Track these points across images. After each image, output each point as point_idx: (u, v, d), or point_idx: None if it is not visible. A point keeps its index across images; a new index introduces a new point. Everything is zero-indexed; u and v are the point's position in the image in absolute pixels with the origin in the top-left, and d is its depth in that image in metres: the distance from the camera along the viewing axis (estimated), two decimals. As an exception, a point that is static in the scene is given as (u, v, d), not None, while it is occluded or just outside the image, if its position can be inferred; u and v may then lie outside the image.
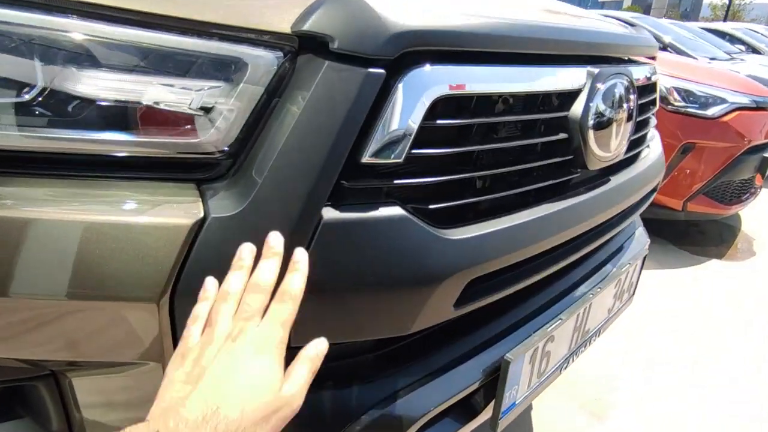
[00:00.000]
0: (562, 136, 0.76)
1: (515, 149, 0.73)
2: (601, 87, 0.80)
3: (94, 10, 0.51)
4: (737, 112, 2.31)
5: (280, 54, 0.57)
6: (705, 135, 2.28)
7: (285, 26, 0.56)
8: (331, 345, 0.51)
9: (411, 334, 0.65)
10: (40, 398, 0.61)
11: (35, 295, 0.51)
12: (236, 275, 0.48)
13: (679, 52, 3.50)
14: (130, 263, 0.52)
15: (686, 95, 2.31)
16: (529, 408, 1.48)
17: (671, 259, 2.49)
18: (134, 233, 0.52)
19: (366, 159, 0.57)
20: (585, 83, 0.78)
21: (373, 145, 0.57)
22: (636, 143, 1.03)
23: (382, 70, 0.56)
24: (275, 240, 0.51)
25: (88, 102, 0.52)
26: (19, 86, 0.51)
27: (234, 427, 0.39)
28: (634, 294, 1.16)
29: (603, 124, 0.81)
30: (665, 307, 2.10)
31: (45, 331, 0.53)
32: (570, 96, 0.77)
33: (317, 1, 0.57)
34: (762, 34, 6.69)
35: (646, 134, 1.08)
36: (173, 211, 0.54)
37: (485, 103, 0.67)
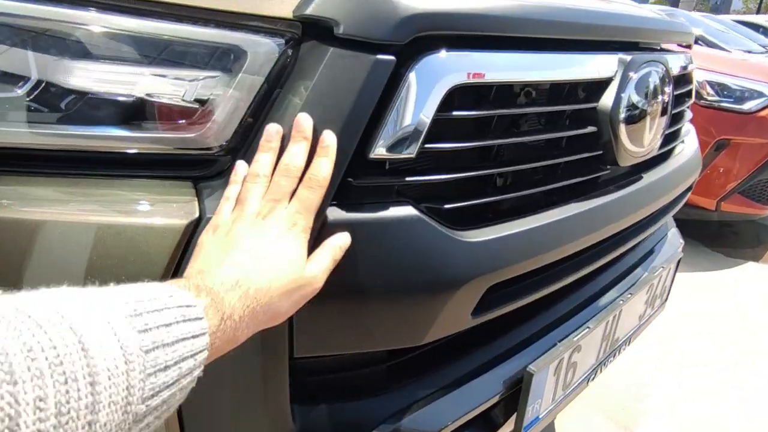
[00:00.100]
0: (591, 129, 0.70)
1: (538, 144, 0.68)
2: (634, 76, 0.73)
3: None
4: (776, 107, 2.18)
5: (282, 41, 0.52)
6: (740, 131, 2.16)
7: (287, 11, 0.52)
8: (339, 355, 0.47)
9: (425, 344, 0.60)
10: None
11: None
12: (265, 156, 0.49)
13: (710, 45, 3.34)
14: (121, 267, 0.48)
15: (720, 89, 2.19)
16: (552, 420, 1.41)
17: (704, 261, 2.38)
18: (124, 235, 0.48)
19: (375, 154, 0.52)
20: (616, 72, 0.71)
21: (383, 139, 0.52)
22: (670, 138, 0.95)
23: (391, 57, 0.52)
24: (305, 122, 0.49)
25: (74, 95, 0.48)
26: (6, 80, 0.48)
27: (262, 295, 0.42)
28: (666, 299, 1.08)
29: (636, 116, 0.74)
30: (700, 310, 1.99)
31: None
32: (599, 86, 0.71)
33: (322, -18, 0.53)
34: (799, 26, 6.39)
35: (680, 128, 1.00)
36: (166, 212, 0.50)
37: (506, 93, 0.62)
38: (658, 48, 0.91)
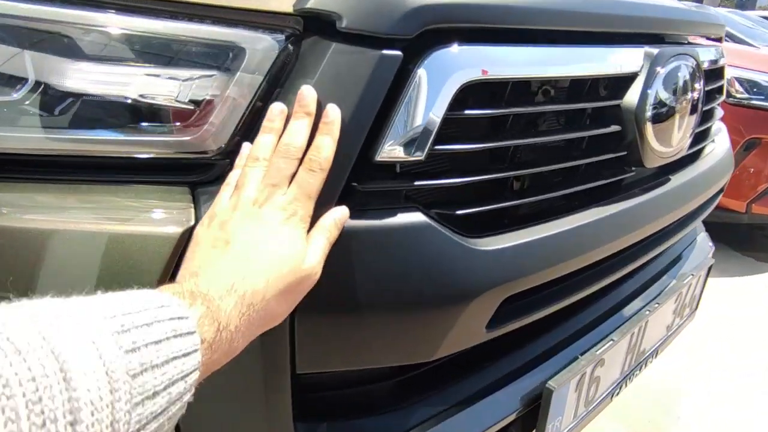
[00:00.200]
0: (614, 128, 0.66)
1: (558, 144, 0.63)
2: (662, 71, 0.68)
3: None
4: (809, 104, 2.08)
5: (282, 37, 0.49)
6: (772, 129, 2.06)
7: (287, 5, 0.49)
8: (344, 371, 0.43)
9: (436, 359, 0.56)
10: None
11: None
12: (266, 138, 0.46)
13: (737, 41, 3.22)
14: (114, 277, 0.46)
15: (750, 86, 2.09)
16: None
17: (735, 266, 2.28)
18: (117, 244, 0.46)
19: (381, 157, 0.49)
20: (642, 66, 0.67)
21: (389, 141, 0.49)
22: (700, 137, 0.89)
23: (398, 52, 0.48)
24: (308, 96, 0.46)
25: (62, 98, 0.46)
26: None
27: (259, 298, 0.40)
28: (696, 308, 1.02)
29: (663, 114, 0.69)
30: (729, 315, 1.91)
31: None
32: (624, 81, 0.66)
33: (324, -26, 0.49)
34: (831, 21, 6.14)
35: (711, 126, 0.94)
36: (161, 219, 0.48)
37: (522, 89, 0.57)
38: (686, 41, 0.86)
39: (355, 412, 0.58)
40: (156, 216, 0.48)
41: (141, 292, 0.35)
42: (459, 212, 0.53)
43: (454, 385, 0.63)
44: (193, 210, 0.49)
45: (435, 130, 0.49)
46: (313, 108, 0.46)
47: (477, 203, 0.55)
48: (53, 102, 0.46)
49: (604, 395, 0.78)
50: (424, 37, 0.49)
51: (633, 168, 0.70)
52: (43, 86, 0.46)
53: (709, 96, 0.89)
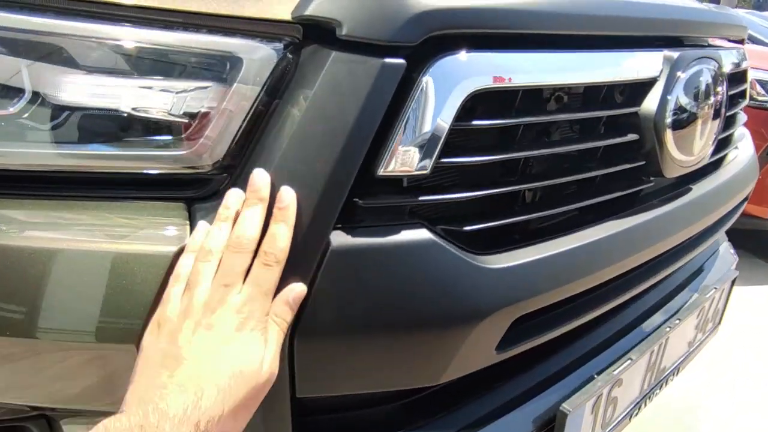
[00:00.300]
0: (632, 137, 0.62)
1: (571, 155, 0.60)
2: (683, 75, 0.65)
3: (57, 3, 0.44)
4: (835, 106, 2.00)
5: (280, 46, 0.47)
6: (796, 133, 1.99)
7: (285, 12, 0.47)
8: (346, 394, 0.41)
9: (443, 381, 0.53)
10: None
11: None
12: (220, 228, 0.43)
13: (757, 42, 3.14)
14: (105, 298, 0.44)
15: (771, 88, 2.03)
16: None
17: (759, 274, 2.20)
18: (108, 263, 0.44)
19: (383, 171, 0.46)
20: (661, 71, 0.63)
21: (392, 154, 0.46)
22: (723, 144, 0.85)
23: (401, 60, 0.46)
24: (260, 180, 0.43)
25: (52, 111, 0.44)
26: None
27: (216, 420, 0.37)
28: (720, 323, 0.98)
29: (684, 121, 0.66)
30: (755, 325, 1.83)
31: (12, 374, 0.46)
32: (642, 87, 0.63)
33: (324, -20, 0.47)
34: None
35: (734, 133, 0.90)
36: (154, 237, 0.46)
37: (533, 98, 0.55)
38: (707, 44, 0.82)
39: (359, 437, 0.56)
40: (150, 233, 0.46)
41: None
42: (467, 228, 0.50)
43: (462, 408, 0.60)
44: (188, 227, 0.47)
45: (441, 142, 0.47)
46: (266, 193, 0.43)
47: (486, 218, 0.52)
48: (42, 116, 0.44)
49: (622, 416, 0.74)
50: (429, 44, 0.47)
51: (652, 178, 0.67)
52: (34, 100, 0.44)
53: (732, 101, 0.85)
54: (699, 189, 0.76)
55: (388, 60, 0.45)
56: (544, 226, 0.57)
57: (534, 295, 0.52)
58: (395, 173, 0.46)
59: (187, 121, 0.47)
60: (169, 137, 0.47)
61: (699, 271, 0.92)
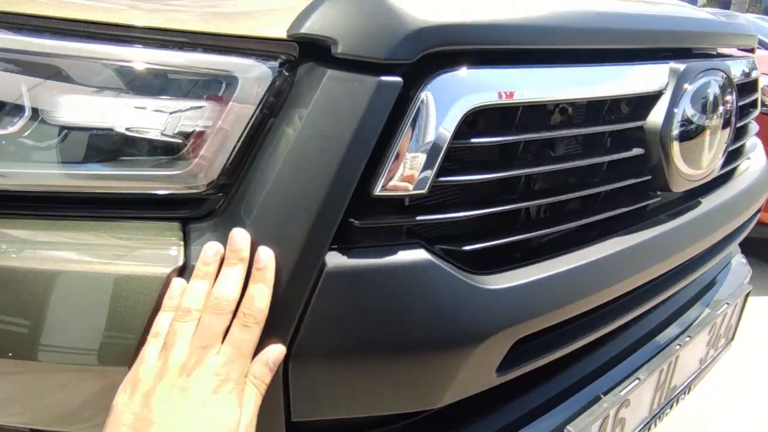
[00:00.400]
0: (637, 152, 0.61)
1: (574, 171, 0.59)
2: (690, 87, 0.63)
3: (50, 24, 0.44)
4: None
5: (275, 64, 0.47)
6: (810, 139, 1.94)
7: (280, 30, 0.46)
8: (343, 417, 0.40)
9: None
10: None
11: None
12: (198, 285, 0.42)
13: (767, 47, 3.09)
14: (97, 321, 0.44)
15: (785, 94, 1.98)
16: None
17: (771, 283, 2.14)
18: (102, 284, 0.44)
19: (379, 192, 0.45)
20: (667, 84, 0.62)
21: (389, 174, 0.45)
22: (734, 155, 0.83)
23: (398, 78, 0.45)
24: (240, 240, 0.42)
25: (45, 131, 0.44)
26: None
27: None
28: (733, 338, 0.95)
29: (692, 134, 0.64)
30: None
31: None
32: (647, 100, 0.61)
33: (319, -2, 0.47)
34: None
35: (745, 144, 0.88)
36: (148, 258, 0.45)
37: (534, 114, 0.53)
38: (716, 53, 0.80)
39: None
40: (144, 254, 0.46)
41: None
42: (466, 248, 0.49)
43: (462, 429, 0.58)
44: (182, 248, 0.46)
45: (439, 161, 0.46)
46: (246, 253, 0.42)
47: (486, 237, 0.51)
48: (37, 136, 0.44)
49: (630, 436, 0.72)
50: (426, 61, 0.46)
51: (659, 192, 0.65)
52: (30, 120, 0.44)
53: (743, 111, 0.83)
54: (709, 202, 0.74)
55: (384, 78, 0.44)
56: (546, 242, 0.56)
57: (535, 316, 0.50)
58: (392, 194, 0.45)
59: (181, 140, 0.46)
60: (164, 157, 0.47)
61: (710, 286, 0.90)
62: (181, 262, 0.45)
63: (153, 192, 0.47)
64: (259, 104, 0.46)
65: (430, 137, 0.46)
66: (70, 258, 0.44)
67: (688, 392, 0.83)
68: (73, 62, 0.45)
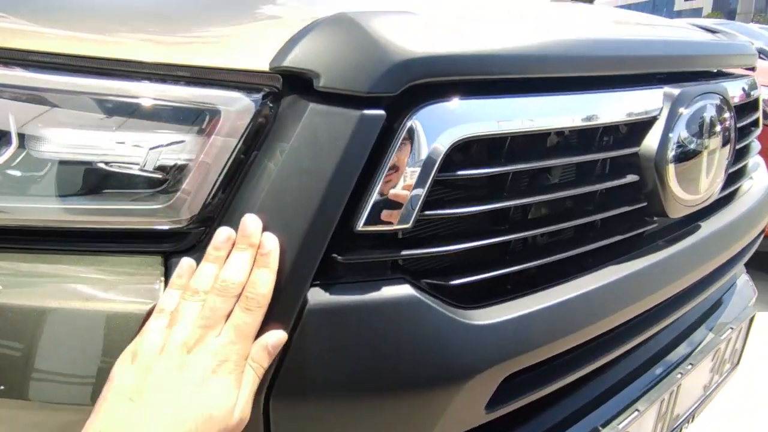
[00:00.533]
0: (632, 178, 0.59)
1: (568, 199, 0.57)
2: (685, 111, 0.62)
3: (32, 57, 0.44)
4: None
5: (258, 96, 0.46)
6: (818, 152, 1.91)
7: (263, 63, 0.46)
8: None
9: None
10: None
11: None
12: (208, 269, 0.43)
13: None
14: (73, 359, 0.43)
15: (791, 106, 1.96)
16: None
17: (780, 299, 2.09)
18: (79, 321, 0.43)
19: (362, 227, 0.44)
20: (661, 109, 0.61)
21: (372, 209, 0.44)
22: (735, 177, 0.82)
23: (381, 111, 0.44)
24: (251, 226, 0.43)
25: (28, 165, 0.44)
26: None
27: None
28: (739, 362, 0.92)
29: (688, 159, 0.63)
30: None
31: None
32: (641, 126, 0.60)
33: (303, 29, 0.46)
34: None
35: (746, 164, 0.86)
36: (128, 293, 0.45)
37: (523, 144, 0.52)
38: (715, 73, 0.79)
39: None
40: (124, 289, 0.45)
41: None
42: (454, 282, 0.48)
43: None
44: (163, 283, 0.45)
45: (423, 194, 0.45)
46: (255, 239, 0.42)
47: (475, 270, 0.49)
48: (16, 170, 0.44)
49: (631, 469, 0.69)
50: (410, 93, 0.45)
51: (655, 219, 0.64)
52: (9, 154, 0.44)
53: (743, 131, 0.82)
54: (709, 226, 0.73)
55: (366, 111, 0.44)
56: (539, 272, 0.55)
57: (526, 351, 0.49)
58: (375, 229, 0.44)
59: (163, 174, 0.46)
60: (146, 190, 0.46)
61: (714, 309, 0.88)
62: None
63: (134, 227, 0.47)
64: (241, 137, 0.46)
65: (415, 171, 0.45)
66: (48, 293, 0.44)
67: (692, 420, 0.80)
68: (55, 95, 0.45)
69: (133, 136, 0.45)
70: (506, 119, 0.48)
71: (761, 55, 3.15)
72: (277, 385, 0.44)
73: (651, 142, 0.60)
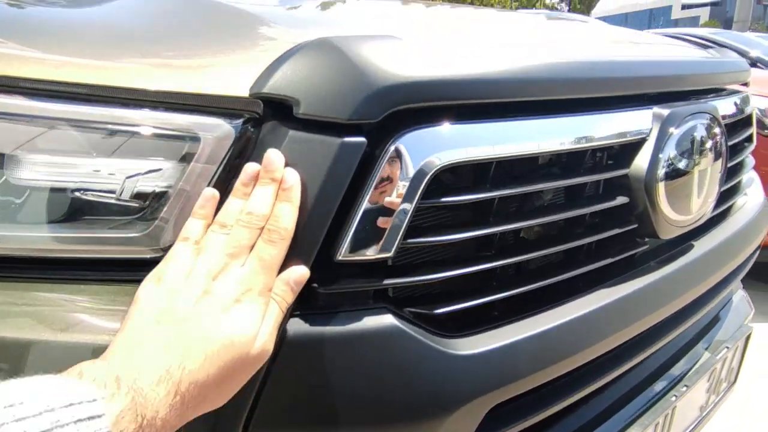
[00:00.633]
0: (622, 200, 0.59)
1: (556, 223, 0.57)
2: (675, 132, 0.61)
3: (4, 82, 0.43)
4: None
5: (239, 122, 0.46)
6: (815, 162, 1.90)
7: (243, 89, 0.45)
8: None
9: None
10: None
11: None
12: (236, 203, 0.44)
13: (770, 66, 3.07)
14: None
15: (787, 116, 1.96)
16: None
17: (780, 310, 2.08)
18: (55, 354, 0.42)
19: (343, 256, 0.43)
20: (651, 130, 0.60)
21: (353, 237, 0.43)
22: (728, 194, 0.81)
23: (361, 138, 0.43)
24: (275, 161, 0.43)
25: (4, 192, 0.43)
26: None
27: (196, 386, 0.36)
28: (736, 380, 0.91)
29: (679, 179, 0.62)
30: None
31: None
32: (631, 148, 0.59)
33: (283, 54, 0.46)
34: None
35: (740, 181, 0.85)
36: (104, 324, 0.43)
37: (510, 167, 0.52)
38: (707, 91, 0.78)
39: None
40: (101, 320, 0.44)
41: (50, 381, 0.32)
42: (438, 311, 0.47)
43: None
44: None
45: (406, 222, 0.44)
46: (278, 174, 0.43)
47: (461, 298, 0.48)
48: (-10, 203, 0.43)
49: (625, 495, 0.68)
50: (393, 119, 0.44)
51: (646, 240, 0.63)
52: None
53: (736, 148, 0.81)
54: (703, 246, 0.72)
55: (347, 139, 0.43)
56: (527, 297, 0.54)
57: (513, 381, 0.48)
58: (356, 258, 0.43)
59: (141, 202, 0.45)
60: (124, 218, 0.45)
61: (709, 327, 0.86)
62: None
63: (112, 255, 0.46)
64: (221, 164, 0.45)
65: (397, 198, 0.44)
66: (23, 323, 0.43)
67: (688, 442, 0.79)
68: (31, 121, 0.44)
69: (110, 162, 0.45)
70: (492, 144, 0.47)
71: (758, 64, 3.15)
72: (256, 418, 0.43)
73: (641, 163, 0.59)
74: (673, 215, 0.62)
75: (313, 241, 0.42)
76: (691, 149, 0.63)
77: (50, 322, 0.43)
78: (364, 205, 0.44)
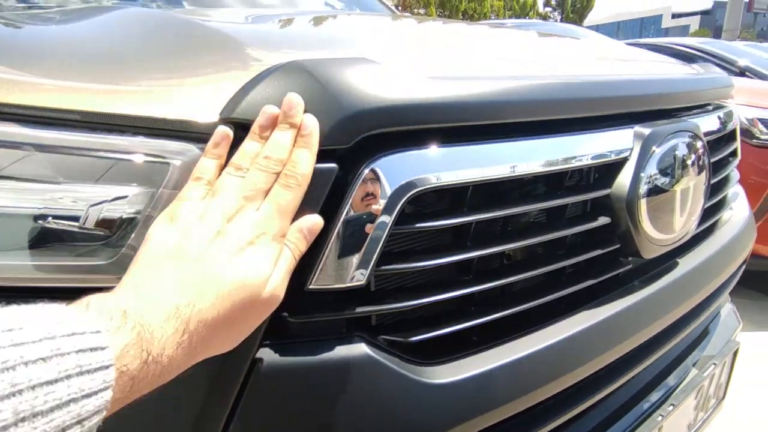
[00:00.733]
0: (603, 221, 0.58)
1: (536, 246, 0.56)
2: (657, 150, 0.61)
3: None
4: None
5: (209, 147, 0.45)
6: (802, 171, 1.92)
7: (212, 114, 0.44)
8: None
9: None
10: None
11: None
12: (252, 146, 0.42)
13: (759, 76, 3.09)
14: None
15: (775, 126, 1.97)
16: None
17: (770, 318, 2.08)
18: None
19: (314, 285, 0.42)
20: (632, 149, 0.59)
21: (323, 266, 0.42)
22: (712, 210, 0.80)
23: (332, 164, 0.43)
24: (296, 105, 0.42)
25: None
26: None
27: (205, 326, 0.36)
28: (724, 396, 0.90)
29: (660, 199, 0.61)
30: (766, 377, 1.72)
31: None
32: (611, 168, 0.59)
33: (254, 78, 0.45)
34: None
35: (725, 196, 0.85)
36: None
37: (488, 190, 0.51)
38: (689, 108, 0.78)
39: None
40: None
41: (54, 308, 0.31)
42: (413, 339, 0.46)
43: None
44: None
45: (378, 249, 0.43)
46: (297, 119, 0.42)
47: (437, 324, 0.47)
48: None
49: None
50: (365, 144, 0.44)
51: (629, 260, 0.62)
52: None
53: (720, 163, 0.81)
54: (687, 263, 0.71)
55: (317, 165, 0.42)
56: (503, 326, 0.52)
57: (490, 409, 0.46)
58: (327, 287, 0.42)
59: (105, 231, 0.44)
60: (90, 245, 0.44)
61: (696, 343, 0.85)
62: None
63: (78, 284, 0.45)
64: (191, 189, 0.44)
65: (369, 225, 0.43)
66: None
67: (676, 462, 0.78)
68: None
69: (74, 188, 0.43)
70: (468, 167, 0.46)
71: (747, 73, 3.18)
72: (225, 454, 0.41)
73: (622, 182, 0.59)
74: (655, 234, 0.61)
75: (282, 269, 0.41)
76: (672, 168, 0.62)
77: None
78: (335, 232, 0.42)
